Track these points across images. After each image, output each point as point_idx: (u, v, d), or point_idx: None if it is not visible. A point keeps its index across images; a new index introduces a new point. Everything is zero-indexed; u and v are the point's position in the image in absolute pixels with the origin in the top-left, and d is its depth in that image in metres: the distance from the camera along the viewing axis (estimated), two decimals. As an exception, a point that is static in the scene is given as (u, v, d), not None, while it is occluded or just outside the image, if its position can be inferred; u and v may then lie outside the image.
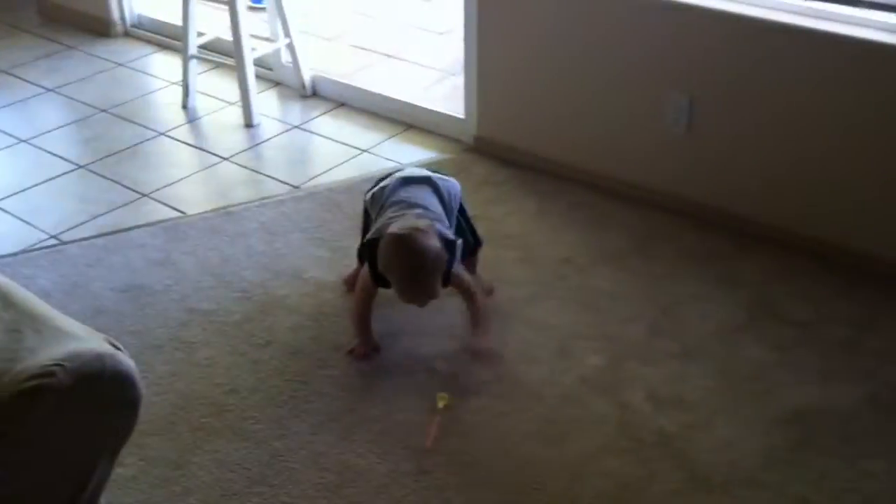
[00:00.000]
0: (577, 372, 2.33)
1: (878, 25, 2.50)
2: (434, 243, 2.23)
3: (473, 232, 2.55)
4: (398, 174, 2.49)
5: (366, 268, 2.36)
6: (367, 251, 2.34)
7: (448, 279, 2.30)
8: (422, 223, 2.27)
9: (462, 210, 2.52)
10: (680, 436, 2.14)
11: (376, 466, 2.09)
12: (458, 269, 2.36)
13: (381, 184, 2.48)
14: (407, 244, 2.22)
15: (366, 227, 2.48)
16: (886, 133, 2.51)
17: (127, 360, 1.51)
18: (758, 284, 2.62)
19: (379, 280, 2.32)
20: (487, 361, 2.35)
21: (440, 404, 2.22)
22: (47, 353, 1.44)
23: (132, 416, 1.55)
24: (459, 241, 2.33)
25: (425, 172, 2.50)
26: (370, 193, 2.49)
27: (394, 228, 2.26)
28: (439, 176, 2.50)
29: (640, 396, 2.25)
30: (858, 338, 2.42)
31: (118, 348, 1.52)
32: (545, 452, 2.11)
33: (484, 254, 2.76)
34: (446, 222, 2.38)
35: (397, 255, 2.24)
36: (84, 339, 1.49)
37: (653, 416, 2.20)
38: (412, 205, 2.37)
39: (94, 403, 1.48)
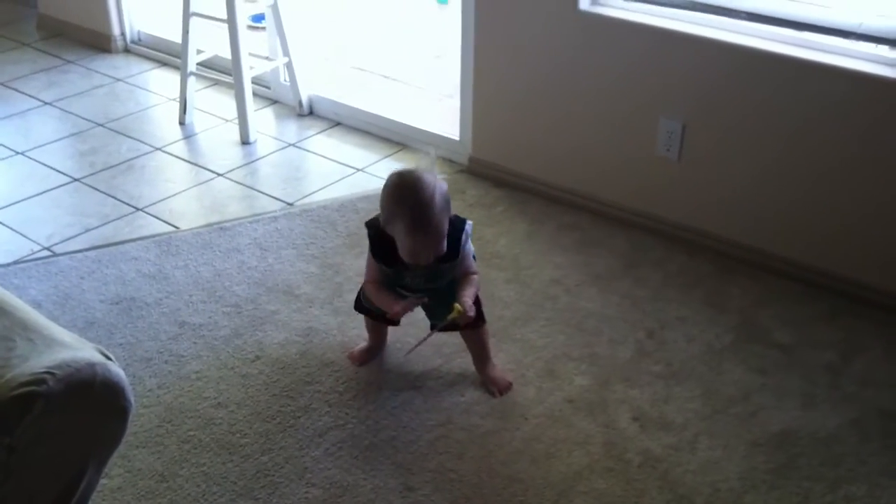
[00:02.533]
0: (564, 392, 2.35)
1: (868, 57, 2.53)
2: (438, 181, 2.10)
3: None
4: None
5: (368, 257, 2.26)
6: (372, 230, 2.23)
7: (458, 250, 2.18)
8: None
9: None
10: (664, 457, 2.16)
11: (362, 482, 2.11)
12: (470, 252, 2.25)
13: None
14: (410, 176, 2.09)
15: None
16: (873, 162, 2.54)
17: (118, 370, 1.53)
18: (743, 308, 2.64)
19: (380, 255, 2.21)
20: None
21: (452, 315, 2.16)
22: (39, 361, 1.46)
23: (121, 425, 1.57)
24: (469, 222, 2.22)
25: None
26: None
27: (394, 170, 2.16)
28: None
29: (626, 417, 2.27)
30: (842, 362, 2.44)
31: (109, 358, 1.54)
32: (531, 471, 2.13)
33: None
34: None
35: (401, 190, 2.09)
36: (75, 349, 1.51)
37: (638, 436, 2.22)
38: None
39: (84, 412, 1.49)
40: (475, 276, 2.26)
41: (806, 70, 2.56)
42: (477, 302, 2.28)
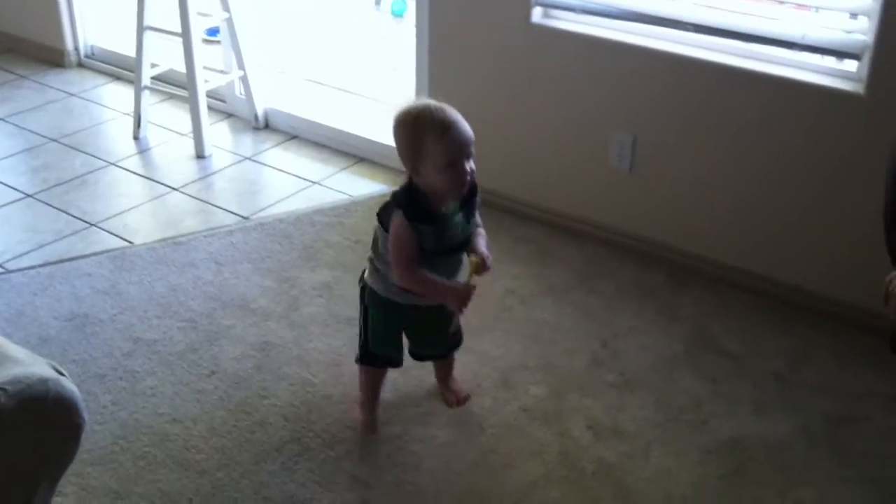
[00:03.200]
0: (519, 402, 2.37)
1: (814, 68, 2.59)
2: None
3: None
4: None
5: (399, 225, 2.03)
6: (393, 203, 2.07)
7: (475, 203, 2.12)
8: None
9: None
10: (618, 465, 2.19)
11: (319, 496, 2.11)
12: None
13: None
14: (413, 102, 2.05)
15: None
16: (824, 171, 2.60)
17: (71, 386, 1.52)
18: (695, 317, 2.69)
19: (419, 215, 2.03)
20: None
21: (470, 270, 2.06)
22: (-10, 378, 1.45)
23: (74, 441, 1.56)
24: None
25: None
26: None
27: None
28: None
29: (581, 426, 2.30)
30: (792, 370, 2.49)
31: (62, 374, 1.53)
32: (488, 482, 2.14)
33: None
34: None
35: (415, 110, 2.02)
36: (28, 364, 1.50)
37: (592, 445, 2.24)
38: None
39: (36, 428, 1.48)
40: (481, 230, 2.16)
41: (754, 81, 2.62)
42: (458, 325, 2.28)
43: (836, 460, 2.21)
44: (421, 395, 2.40)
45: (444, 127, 2.00)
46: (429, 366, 2.40)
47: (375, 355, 2.25)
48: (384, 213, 2.09)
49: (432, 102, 2.05)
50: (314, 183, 3.43)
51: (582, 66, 2.89)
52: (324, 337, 2.60)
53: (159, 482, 2.13)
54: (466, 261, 2.10)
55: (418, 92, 3.29)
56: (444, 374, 2.40)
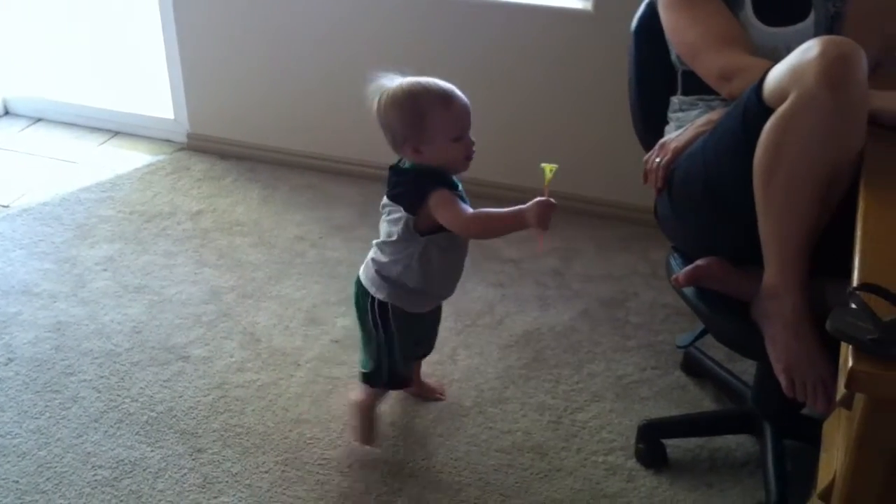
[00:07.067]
0: (329, 335, 2.48)
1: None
2: None
3: None
4: None
5: (441, 195, 1.91)
6: (420, 179, 1.93)
7: None
8: None
9: None
10: (431, 373, 2.35)
11: (149, 454, 2.12)
12: None
13: None
14: (397, 83, 1.90)
15: None
16: (567, 86, 2.87)
17: None
18: (474, 235, 2.90)
19: (447, 180, 1.93)
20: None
21: (548, 173, 1.90)
22: None
23: None
24: None
25: None
26: None
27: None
28: None
29: (390, 346, 2.44)
30: (566, 266, 2.76)
31: None
32: (315, 410, 2.24)
33: (219, 243, 2.85)
34: None
35: (406, 88, 1.87)
36: None
37: (404, 360, 2.40)
38: None
39: None
40: None
41: (495, 10, 2.84)
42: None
43: (617, 335, 2.49)
44: (231, 346, 2.44)
45: (447, 98, 1.86)
46: (231, 311, 2.45)
47: (405, 375, 2.14)
48: (413, 207, 1.95)
49: (418, 78, 1.89)
50: (72, 162, 3.32)
51: (333, 12, 2.99)
52: (118, 308, 2.58)
53: (-21, 473, 2.06)
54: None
55: (169, 56, 3.26)
56: (418, 372, 2.28)
